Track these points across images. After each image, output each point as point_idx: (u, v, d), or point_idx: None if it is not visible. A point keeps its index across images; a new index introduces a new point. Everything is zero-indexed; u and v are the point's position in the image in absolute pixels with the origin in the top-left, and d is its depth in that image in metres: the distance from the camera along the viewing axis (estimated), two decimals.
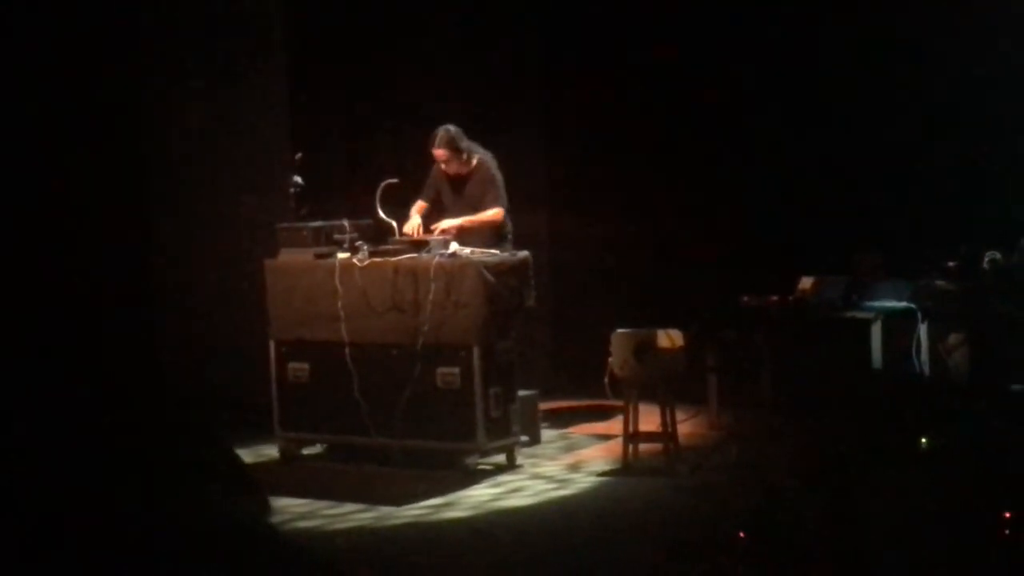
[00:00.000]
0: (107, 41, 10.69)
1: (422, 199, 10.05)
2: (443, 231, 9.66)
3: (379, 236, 9.85)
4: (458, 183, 9.98)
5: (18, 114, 10.31)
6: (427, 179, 10.09)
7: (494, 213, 9.87)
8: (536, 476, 9.28)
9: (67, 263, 10.42)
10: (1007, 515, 6.37)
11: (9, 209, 10.26)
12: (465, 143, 9.87)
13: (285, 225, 10.09)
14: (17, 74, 10.31)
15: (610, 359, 9.22)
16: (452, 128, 9.85)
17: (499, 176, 9.94)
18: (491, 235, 9.86)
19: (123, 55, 10.85)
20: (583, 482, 9.11)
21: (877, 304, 10.09)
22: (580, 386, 10.92)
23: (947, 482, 8.23)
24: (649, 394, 9.30)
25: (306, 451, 9.96)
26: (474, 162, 9.93)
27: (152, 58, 11.06)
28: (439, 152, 9.84)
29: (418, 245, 9.61)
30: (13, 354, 9.22)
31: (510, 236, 9.98)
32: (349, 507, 8.65)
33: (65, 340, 10.22)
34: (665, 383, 9.20)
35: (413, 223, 9.91)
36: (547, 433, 10.27)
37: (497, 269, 9.37)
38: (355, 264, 9.55)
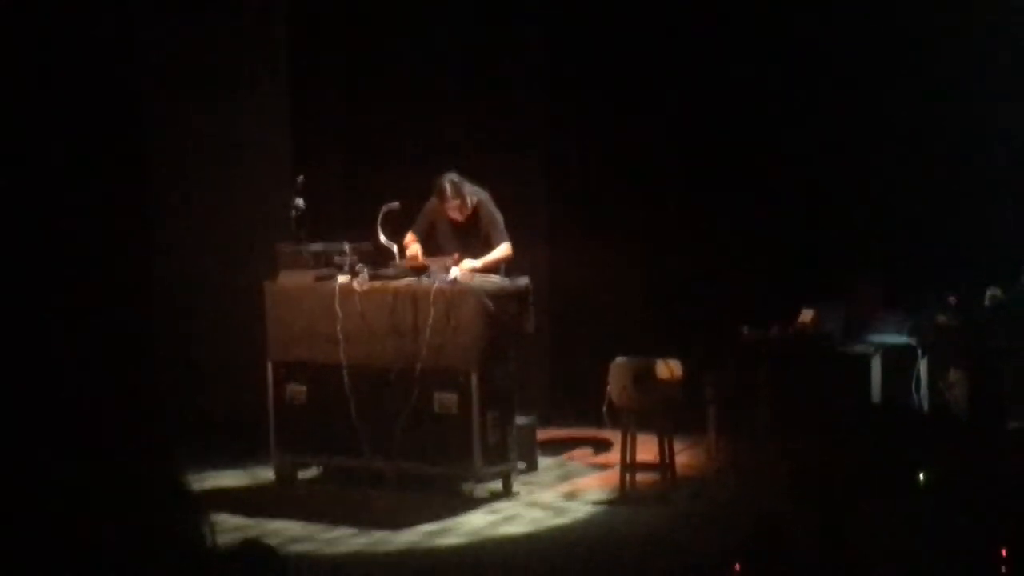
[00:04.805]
0: (107, 61, 10.68)
1: (414, 232, 10.00)
2: (471, 270, 9.61)
3: (379, 260, 9.83)
4: (460, 224, 9.94)
5: (16, 131, 10.29)
6: (421, 212, 10.04)
7: (505, 249, 9.83)
8: (532, 504, 9.25)
9: (65, 280, 10.40)
10: (1004, 552, 6.34)
11: (6, 225, 10.24)
12: (466, 187, 9.84)
13: (285, 247, 10.08)
14: (15, 89, 10.30)
15: (608, 387, 9.19)
16: (455, 176, 9.81)
17: (498, 213, 9.92)
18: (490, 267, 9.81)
19: (123, 77, 10.84)
20: (579, 511, 9.07)
21: (877, 338, 10.08)
22: (578, 414, 10.89)
23: (945, 518, 8.21)
24: (647, 423, 9.27)
25: (302, 473, 9.93)
26: (474, 203, 9.88)
27: (152, 79, 11.06)
28: (453, 204, 9.79)
29: (419, 270, 9.59)
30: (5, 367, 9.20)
31: (503, 267, 9.92)
32: (344, 531, 8.62)
33: (61, 358, 10.20)
34: (663, 413, 9.17)
35: (414, 249, 9.89)
36: (544, 461, 10.23)
37: (497, 295, 9.36)
38: (355, 287, 9.53)
